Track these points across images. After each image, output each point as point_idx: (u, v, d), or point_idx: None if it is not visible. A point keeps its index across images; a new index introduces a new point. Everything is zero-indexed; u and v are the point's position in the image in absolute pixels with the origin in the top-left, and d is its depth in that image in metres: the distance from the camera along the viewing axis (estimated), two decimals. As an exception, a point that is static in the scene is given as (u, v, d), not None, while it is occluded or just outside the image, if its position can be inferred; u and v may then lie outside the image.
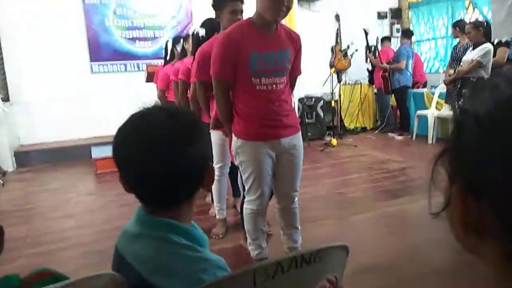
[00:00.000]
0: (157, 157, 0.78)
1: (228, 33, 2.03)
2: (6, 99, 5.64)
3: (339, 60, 6.73)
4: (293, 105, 2.33)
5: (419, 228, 3.01)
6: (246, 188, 2.19)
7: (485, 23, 4.92)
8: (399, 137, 6.34)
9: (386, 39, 6.90)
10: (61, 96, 5.89)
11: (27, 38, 5.73)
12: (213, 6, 2.60)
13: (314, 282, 0.91)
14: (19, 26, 5.67)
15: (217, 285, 0.78)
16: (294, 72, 2.22)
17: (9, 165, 5.34)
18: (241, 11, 2.55)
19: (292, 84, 2.27)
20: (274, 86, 2.06)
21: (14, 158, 5.49)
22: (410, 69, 6.40)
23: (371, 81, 7.06)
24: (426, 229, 2.97)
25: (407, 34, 6.75)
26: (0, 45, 5.65)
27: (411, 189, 3.88)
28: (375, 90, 7.06)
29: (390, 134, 6.59)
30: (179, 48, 3.84)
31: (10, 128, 5.55)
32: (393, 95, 6.62)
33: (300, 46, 2.18)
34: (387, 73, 6.41)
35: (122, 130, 0.82)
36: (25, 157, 5.56)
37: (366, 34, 6.41)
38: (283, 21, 2.26)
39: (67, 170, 5.35)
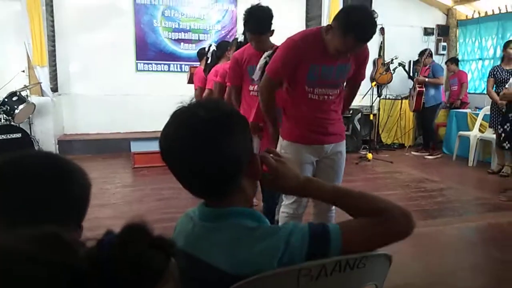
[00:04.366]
0: (196, 151, 0.80)
1: (296, 39, 2.02)
2: (55, 89, 5.93)
3: (380, 74, 6.64)
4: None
5: (456, 252, 2.91)
6: None
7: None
8: (430, 157, 6.14)
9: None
10: (106, 90, 6.15)
11: (79, 34, 6.01)
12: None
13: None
14: (72, 23, 5.97)
15: (261, 281, 0.79)
16: (358, 78, 2.22)
17: (53, 151, 5.57)
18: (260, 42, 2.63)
19: (355, 90, 2.29)
20: (325, 97, 2.08)
21: (57, 145, 5.74)
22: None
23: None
24: (463, 253, 2.87)
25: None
26: (54, 39, 5.94)
27: (448, 210, 3.77)
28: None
29: (416, 154, 6.38)
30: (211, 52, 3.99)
31: (56, 117, 5.82)
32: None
33: (367, 56, 2.16)
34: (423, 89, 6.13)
35: (165, 129, 0.85)
36: (68, 146, 5.80)
37: (402, 66, 6.21)
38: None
39: (106, 161, 5.53)
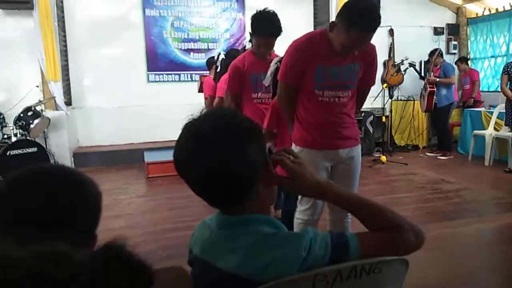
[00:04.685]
0: (210, 163, 0.80)
1: (300, 42, 2.03)
2: (69, 103, 6.03)
3: (391, 75, 6.60)
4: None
5: (474, 253, 2.85)
6: (299, 198, 2.19)
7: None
8: (443, 158, 6.07)
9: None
10: (118, 103, 6.24)
11: (90, 48, 6.13)
12: (251, 29, 2.64)
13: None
14: (84, 37, 6.09)
15: (277, 287, 0.79)
16: (366, 83, 2.17)
17: (68, 165, 5.65)
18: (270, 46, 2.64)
19: (364, 95, 2.24)
20: (336, 99, 2.05)
21: (72, 158, 5.82)
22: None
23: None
24: (481, 254, 2.82)
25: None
26: (67, 53, 6.06)
27: (465, 211, 3.70)
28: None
29: (430, 154, 6.32)
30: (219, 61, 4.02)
31: (70, 131, 5.91)
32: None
33: (375, 57, 2.11)
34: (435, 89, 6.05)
35: (177, 142, 0.85)
36: (83, 158, 5.88)
37: (413, 66, 6.16)
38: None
39: (120, 172, 5.59)
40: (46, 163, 4.28)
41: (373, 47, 2.09)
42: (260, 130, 0.90)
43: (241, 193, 0.85)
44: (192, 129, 0.84)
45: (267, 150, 0.91)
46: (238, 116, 0.89)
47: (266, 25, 2.56)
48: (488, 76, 7.18)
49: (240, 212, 0.87)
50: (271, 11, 2.58)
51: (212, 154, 0.80)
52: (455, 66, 6.68)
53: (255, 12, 2.61)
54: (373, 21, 1.80)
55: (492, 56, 7.07)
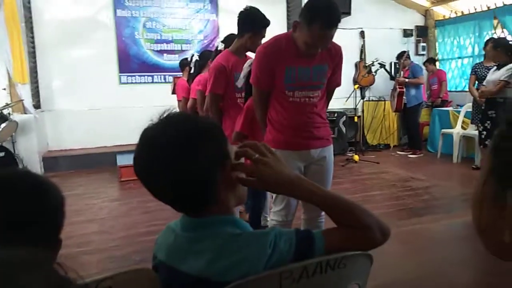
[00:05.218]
0: (160, 170, 0.80)
1: (266, 46, 2.08)
2: (37, 106, 5.86)
3: (363, 76, 6.73)
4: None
5: (443, 247, 2.94)
6: (273, 199, 2.21)
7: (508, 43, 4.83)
8: (413, 156, 6.24)
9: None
10: (89, 105, 6.11)
11: (60, 49, 5.97)
12: (247, 25, 2.60)
13: (338, 288, 0.92)
14: (53, 38, 5.93)
15: (244, 286, 0.80)
16: (333, 84, 2.22)
17: (37, 169, 5.49)
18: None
19: (329, 95, 2.28)
20: (307, 99, 2.09)
21: (42, 162, 5.66)
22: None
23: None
24: (450, 248, 2.91)
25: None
26: (35, 55, 5.90)
27: (434, 208, 3.82)
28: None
29: (401, 153, 6.49)
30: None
31: (39, 134, 5.74)
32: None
33: (340, 58, 2.16)
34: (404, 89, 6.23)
35: (136, 147, 0.84)
36: (53, 162, 5.73)
37: (383, 66, 6.32)
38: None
39: (92, 176, 5.48)
40: (13, 168, 4.15)
41: (339, 47, 2.15)
42: (216, 129, 0.88)
43: (200, 198, 0.84)
44: (146, 138, 0.83)
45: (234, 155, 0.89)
46: (191, 120, 0.88)
47: (264, 18, 2.59)
48: (456, 77, 7.43)
49: (204, 214, 0.87)
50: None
51: (165, 163, 0.79)
52: (423, 67, 6.88)
53: (244, 11, 2.60)
54: (333, 17, 1.85)
55: (459, 57, 7.32)
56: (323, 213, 2.26)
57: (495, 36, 6.43)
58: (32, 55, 5.82)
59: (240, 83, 2.58)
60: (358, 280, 0.95)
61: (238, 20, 2.63)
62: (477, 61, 6.20)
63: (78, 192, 4.69)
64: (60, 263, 0.52)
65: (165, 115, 0.85)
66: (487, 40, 5.37)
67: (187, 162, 0.80)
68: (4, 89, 5.42)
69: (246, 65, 2.51)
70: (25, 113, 5.49)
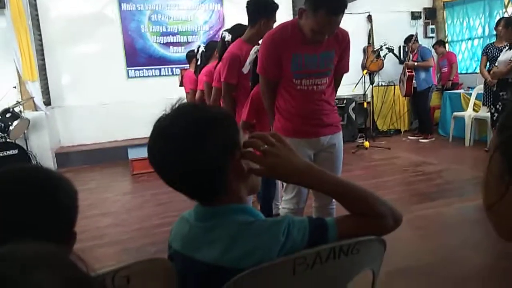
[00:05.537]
0: (171, 159, 0.82)
1: (272, 34, 2.07)
2: (48, 103, 5.93)
3: (371, 61, 6.65)
4: None
5: (456, 232, 2.93)
6: (284, 187, 2.22)
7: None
8: (424, 140, 6.18)
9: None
10: (99, 100, 6.14)
11: (67, 45, 6.00)
12: (260, 12, 2.57)
13: (351, 274, 0.93)
14: (60, 35, 5.95)
15: (258, 273, 0.81)
16: (341, 70, 2.20)
17: (50, 165, 5.58)
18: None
19: (337, 82, 2.26)
20: (315, 87, 2.08)
21: (55, 158, 5.74)
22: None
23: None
24: (463, 232, 2.90)
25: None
26: (43, 52, 5.94)
27: (447, 192, 3.79)
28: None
29: (412, 138, 6.43)
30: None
31: (51, 131, 5.81)
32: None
33: (348, 43, 2.13)
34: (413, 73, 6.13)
35: (148, 141, 0.86)
36: (65, 158, 5.81)
37: (391, 51, 6.22)
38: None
39: (105, 170, 5.55)
40: (24, 163, 4.21)
41: (346, 33, 2.12)
42: (226, 118, 0.88)
43: (210, 187, 0.85)
44: (158, 129, 0.85)
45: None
46: (200, 109, 0.89)
47: (273, 1, 2.58)
48: (466, 58, 7.30)
49: (217, 204, 0.88)
50: None
51: (176, 152, 0.81)
52: (433, 50, 6.78)
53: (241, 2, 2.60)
54: (338, 3, 1.83)
55: (469, 39, 7.18)
56: (334, 200, 2.25)
57: (506, 15, 6.29)
58: (40, 52, 5.86)
59: (246, 69, 2.57)
60: (372, 265, 0.96)
61: (248, 9, 2.60)
62: (488, 42, 6.09)
63: (91, 187, 4.76)
64: (79, 256, 0.53)
65: (176, 106, 0.86)
66: (499, 20, 5.26)
67: (196, 151, 0.81)
68: (15, 87, 5.48)
69: (252, 51, 2.49)
70: (36, 110, 5.56)
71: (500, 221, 0.47)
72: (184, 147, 0.81)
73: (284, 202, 2.23)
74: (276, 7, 2.59)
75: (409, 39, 6.33)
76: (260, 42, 2.68)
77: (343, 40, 2.09)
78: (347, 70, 2.25)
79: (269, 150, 0.86)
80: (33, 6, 5.70)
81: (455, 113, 5.88)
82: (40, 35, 5.87)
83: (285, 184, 2.22)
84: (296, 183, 1.01)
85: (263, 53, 2.09)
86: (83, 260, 0.55)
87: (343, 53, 2.13)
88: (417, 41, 6.31)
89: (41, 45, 5.89)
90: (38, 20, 5.82)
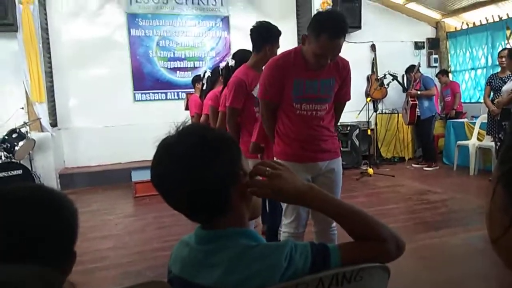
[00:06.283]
0: (176, 177, 0.81)
1: (276, 60, 2.13)
2: (54, 124, 5.98)
3: (375, 89, 6.71)
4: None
5: (462, 262, 2.88)
6: (283, 211, 2.21)
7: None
8: (429, 169, 6.15)
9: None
10: (105, 122, 6.22)
11: (76, 68, 6.12)
12: (263, 39, 2.62)
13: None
14: (69, 58, 6.08)
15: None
16: (342, 98, 2.25)
17: (54, 186, 5.58)
18: None
19: (340, 110, 2.30)
20: (314, 112, 2.12)
21: (58, 179, 5.75)
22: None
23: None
24: (469, 263, 2.84)
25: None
26: (52, 74, 6.05)
27: (452, 221, 3.75)
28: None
29: (416, 166, 6.41)
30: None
31: (56, 152, 5.85)
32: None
33: (348, 72, 2.18)
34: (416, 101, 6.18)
35: (152, 159, 0.86)
36: (69, 179, 5.81)
37: (395, 78, 6.30)
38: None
39: (108, 192, 5.54)
40: (26, 182, 4.22)
41: (347, 62, 2.18)
42: (233, 143, 0.89)
43: (214, 207, 0.85)
44: (163, 147, 0.85)
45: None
46: (207, 129, 0.90)
47: (276, 27, 2.65)
48: (469, 88, 7.35)
49: (219, 227, 0.88)
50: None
51: (182, 171, 0.81)
52: (436, 79, 6.84)
53: (256, 26, 2.64)
54: (340, 27, 1.90)
55: (472, 68, 7.25)
56: (334, 224, 2.25)
57: (508, 46, 6.37)
58: (49, 74, 5.97)
59: (256, 92, 2.60)
60: (375, 293, 0.94)
61: (252, 36, 2.64)
62: (491, 72, 6.16)
63: (93, 209, 4.74)
64: (73, 283, 0.52)
65: (182, 126, 0.87)
66: (502, 50, 5.34)
67: (203, 170, 0.81)
68: (22, 108, 5.55)
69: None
70: (42, 131, 5.61)
71: (507, 254, 0.47)
72: (192, 165, 0.81)
73: (284, 226, 2.23)
74: (278, 33, 2.65)
75: (410, 69, 6.42)
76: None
77: (343, 69, 2.15)
78: (348, 98, 2.29)
79: (273, 173, 0.88)
80: (45, 30, 5.84)
81: (459, 142, 5.88)
82: (50, 57, 5.99)
83: (283, 207, 2.21)
84: (300, 204, 1.01)
85: (266, 77, 2.14)
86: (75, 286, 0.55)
87: (344, 82, 2.18)
88: (419, 70, 6.39)
89: (50, 67, 6.01)
90: (48, 43, 5.95)
